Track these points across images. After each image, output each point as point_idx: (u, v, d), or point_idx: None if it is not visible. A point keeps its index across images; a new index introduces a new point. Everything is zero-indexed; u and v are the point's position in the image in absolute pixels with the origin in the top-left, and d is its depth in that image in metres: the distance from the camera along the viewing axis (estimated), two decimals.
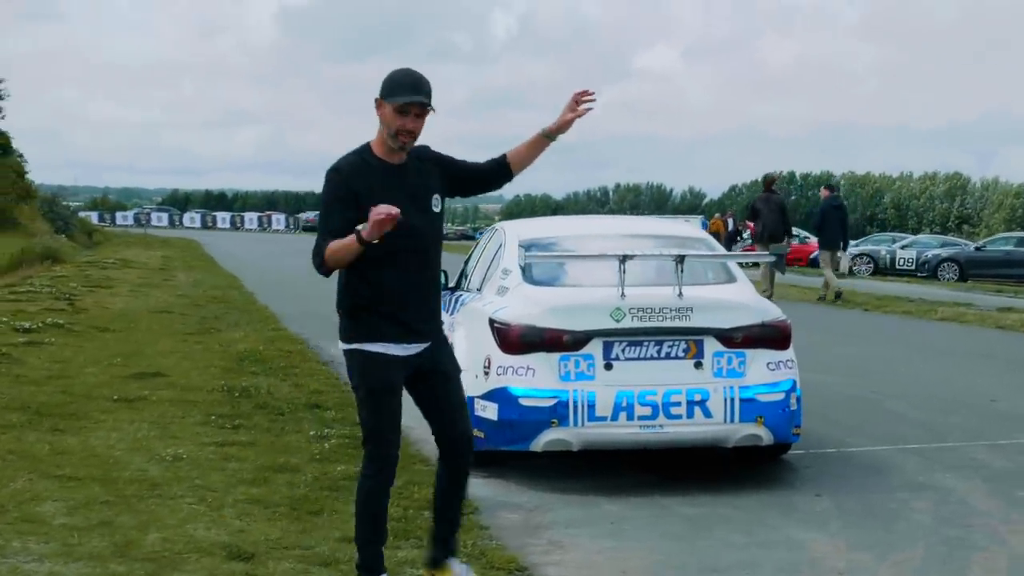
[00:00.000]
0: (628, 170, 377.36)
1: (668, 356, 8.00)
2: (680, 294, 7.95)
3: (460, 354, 8.46)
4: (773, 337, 8.26)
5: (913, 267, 41.62)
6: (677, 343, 8.02)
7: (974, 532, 7.09)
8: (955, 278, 38.63)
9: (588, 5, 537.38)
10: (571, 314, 7.97)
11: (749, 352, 8.11)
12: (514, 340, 7.94)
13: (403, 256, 5.33)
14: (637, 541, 6.85)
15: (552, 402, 7.79)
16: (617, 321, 7.87)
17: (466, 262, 10.38)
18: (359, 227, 5.05)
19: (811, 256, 45.24)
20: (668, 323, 7.92)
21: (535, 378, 7.84)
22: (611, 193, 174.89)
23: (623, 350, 7.94)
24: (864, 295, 26.50)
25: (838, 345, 17.00)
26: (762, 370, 8.13)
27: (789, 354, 8.37)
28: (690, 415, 7.91)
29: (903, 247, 44.28)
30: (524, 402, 7.83)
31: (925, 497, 7.89)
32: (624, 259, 7.94)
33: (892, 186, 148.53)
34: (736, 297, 8.41)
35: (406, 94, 5.23)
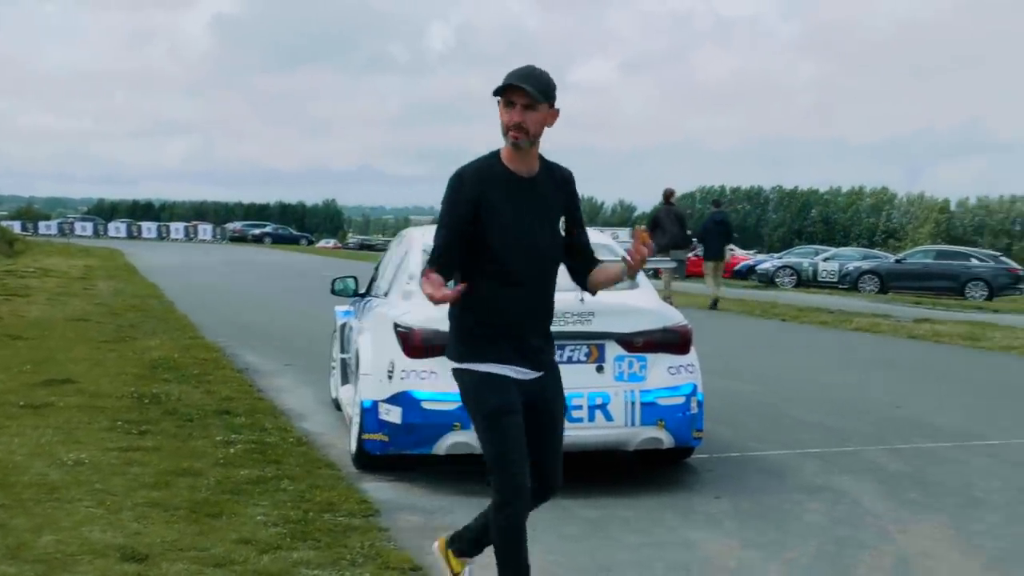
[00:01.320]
0: None
1: (570, 360, 8.07)
2: (582, 299, 8.01)
3: (366, 358, 8.55)
4: (674, 342, 8.38)
5: (835, 279, 42.07)
6: (579, 347, 8.11)
7: (864, 531, 7.25)
8: (876, 290, 39.12)
9: (526, 18, 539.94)
10: None
11: (650, 356, 8.22)
12: (417, 344, 8.00)
13: (525, 276, 4.97)
14: (535, 542, 6.77)
15: (455, 405, 7.80)
16: None
17: (376, 268, 10.45)
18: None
19: (735, 267, 45.84)
20: (570, 327, 8.00)
21: (438, 382, 7.88)
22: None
23: None
24: (784, 306, 26.84)
25: (751, 353, 17.24)
26: (663, 374, 8.24)
27: (690, 358, 8.49)
28: (591, 419, 8.00)
29: (825, 259, 44.77)
30: (427, 406, 7.89)
31: (820, 499, 8.04)
32: None
33: (820, 200, 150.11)
34: (638, 302, 8.50)
35: (508, 80, 4.82)
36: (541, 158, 5.04)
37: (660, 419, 8.14)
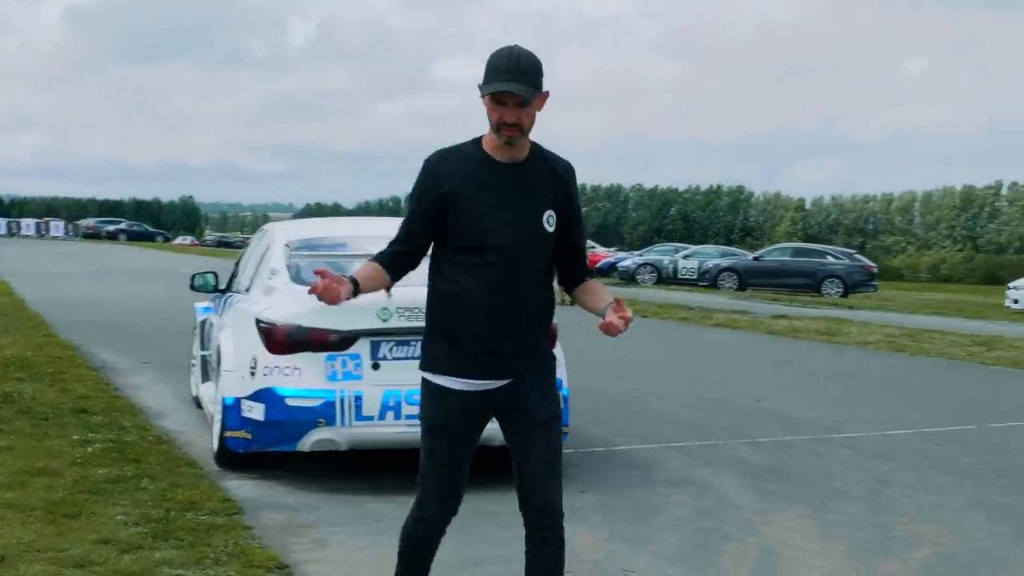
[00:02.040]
0: None
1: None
2: None
3: (227, 355, 8.41)
4: None
5: (695, 277, 42.62)
6: None
7: (728, 523, 7.32)
8: (735, 287, 39.79)
9: (388, 14, 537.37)
10: (338, 314, 7.89)
11: None
12: (280, 340, 7.89)
13: (496, 273, 4.40)
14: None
15: (319, 402, 7.76)
16: (384, 321, 7.88)
17: (237, 263, 10.29)
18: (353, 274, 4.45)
19: (596, 265, 46.25)
20: (421, 323, 7.94)
21: (302, 378, 7.80)
22: (403, 203, 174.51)
23: (391, 350, 7.95)
24: (645, 303, 27.06)
25: (615, 350, 17.29)
26: None
27: (555, 354, 8.46)
28: None
29: (685, 257, 45.29)
30: (291, 402, 7.79)
31: (685, 492, 8.11)
32: None
33: (679, 198, 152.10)
34: None
35: (497, 80, 4.27)
36: (534, 145, 4.54)
37: None
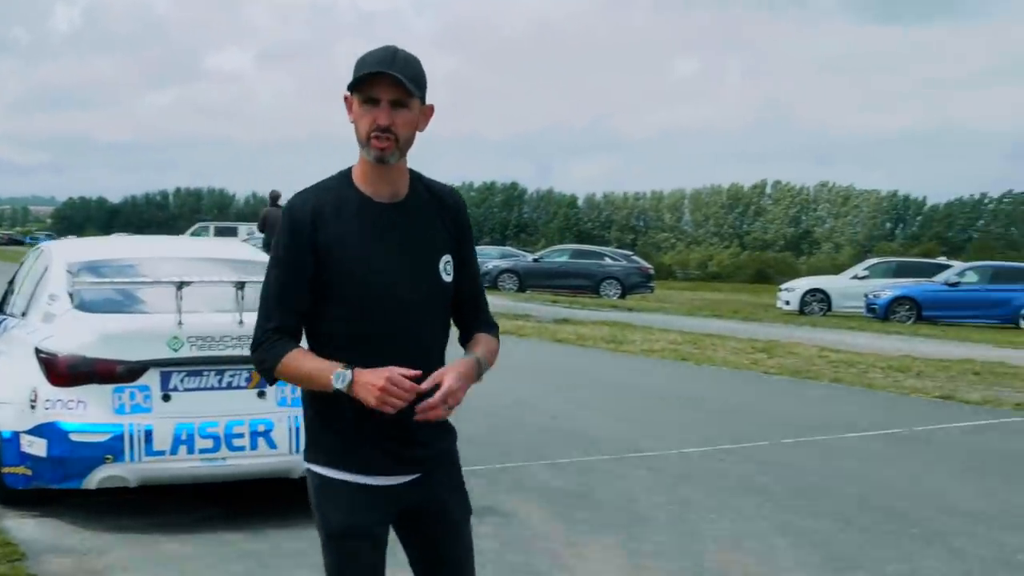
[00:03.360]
0: (192, 174, 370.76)
1: (230, 386, 7.70)
2: (241, 321, 7.65)
3: (3, 385, 7.87)
4: None
5: None
6: (239, 372, 7.73)
7: (537, 557, 7.15)
8: (515, 288, 39.97)
9: (158, 2, 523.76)
10: (125, 343, 7.52)
11: None
12: (63, 371, 7.41)
13: (386, 340, 3.54)
14: None
15: (106, 437, 7.31)
16: (175, 350, 7.49)
17: (10, 282, 9.66)
18: (345, 372, 3.42)
19: None
20: (229, 351, 7.63)
21: (87, 411, 7.34)
22: (171, 197, 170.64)
23: (182, 380, 7.57)
24: None
25: None
26: None
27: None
28: (254, 446, 7.63)
29: None
30: (75, 437, 7.32)
31: (488, 521, 7.87)
32: (181, 285, 7.56)
33: None
34: None
35: (368, 67, 3.48)
36: (415, 177, 3.72)
37: None
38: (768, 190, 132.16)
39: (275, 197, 26.28)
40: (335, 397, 3.49)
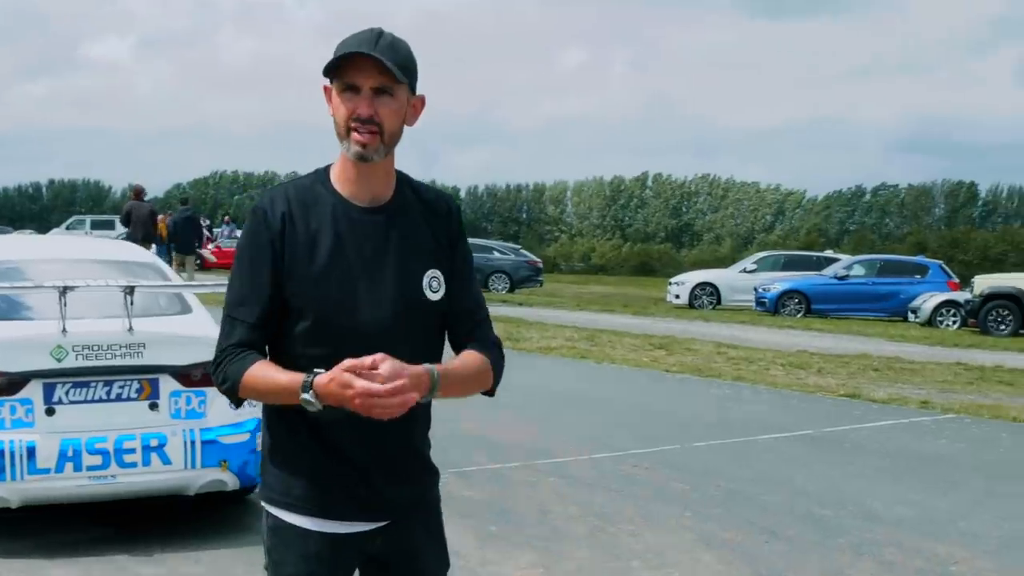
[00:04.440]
0: (66, 165, 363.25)
1: (119, 398, 7.16)
2: (131, 328, 7.11)
3: None
4: None
5: None
6: (129, 383, 7.18)
7: (452, 572, 6.69)
8: None
9: None
10: (4, 353, 6.94)
11: (210, 390, 7.36)
12: None
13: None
14: None
15: None
16: (59, 360, 6.93)
17: None
18: (313, 376, 2.87)
19: None
20: (118, 361, 7.08)
21: None
22: (44, 190, 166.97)
23: (67, 393, 7.01)
24: None
25: None
26: (224, 410, 7.41)
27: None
28: (146, 462, 7.10)
29: None
30: None
31: None
32: (65, 290, 6.98)
33: None
34: (193, 330, 7.64)
35: (348, 48, 2.98)
36: (401, 179, 3.22)
37: (224, 459, 7.34)
38: (649, 183, 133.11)
39: (139, 192, 26.05)
40: (296, 425, 3.07)
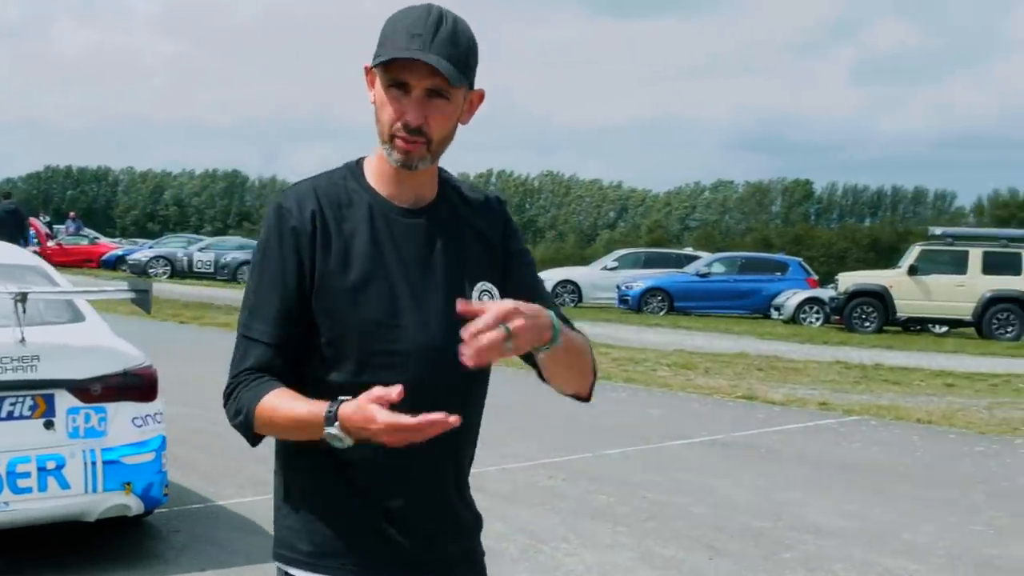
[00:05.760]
0: None
1: (11, 416, 6.42)
2: (23, 339, 6.37)
3: None
4: (138, 387, 6.89)
5: (212, 270, 40.97)
6: (21, 400, 6.45)
7: None
8: None
9: None
10: None
11: (111, 407, 6.69)
12: None
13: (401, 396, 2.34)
14: None
15: None
16: None
17: None
18: (338, 405, 2.31)
19: (102, 257, 44.05)
20: (9, 376, 6.35)
21: None
22: None
23: None
24: (171, 302, 25.32)
25: (177, 366, 15.68)
26: (127, 427, 6.75)
27: (157, 405, 7.04)
28: (42, 487, 6.38)
29: (201, 250, 43.39)
30: None
31: None
32: None
33: (173, 183, 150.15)
34: (90, 340, 6.94)
35: (399, 45, 2.41)
36: (444, 178, 2.67)
37: (127, 482, 6.67)
38: (493, 179, 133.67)
39: (6, 195, 25.25)
40: (320, 464, 2.50)
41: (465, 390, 2.54)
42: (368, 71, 2.53)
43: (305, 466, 2.56)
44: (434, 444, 2.31)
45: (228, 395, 2.52)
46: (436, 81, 2.41)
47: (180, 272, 41.46)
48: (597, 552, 7.33)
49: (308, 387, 2.48)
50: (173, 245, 45.95)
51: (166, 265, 41.98)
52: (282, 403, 2.42)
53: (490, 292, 2.58)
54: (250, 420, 2.47)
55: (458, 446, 2.56)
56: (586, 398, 2.67)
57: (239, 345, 2.55)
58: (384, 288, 2.50)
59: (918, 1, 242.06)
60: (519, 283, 2.63)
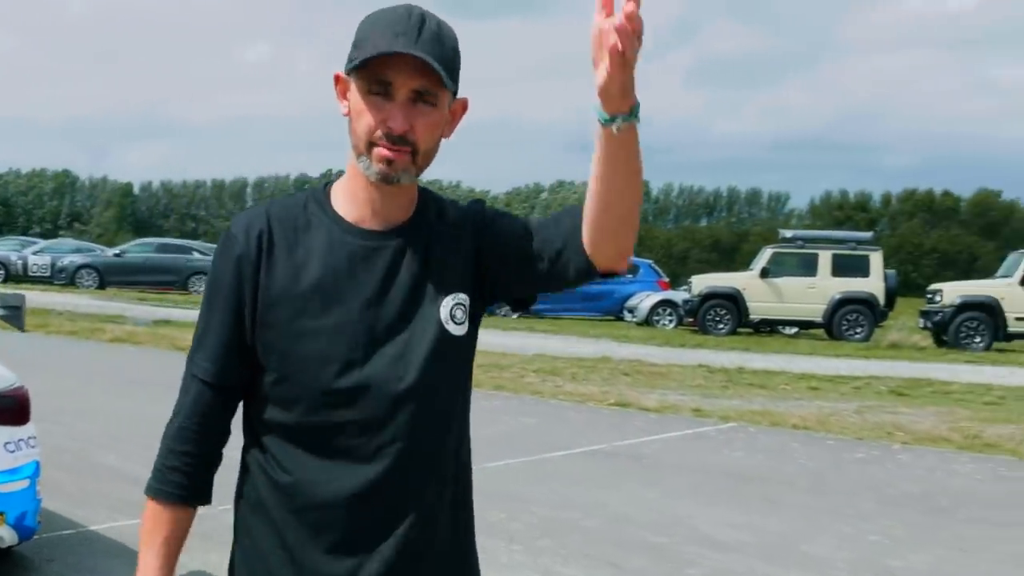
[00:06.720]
0: None
1: None
2: None
3: None
4: (9, 409, 6.45)
5: (48, 274, 39.63)
6: None
7: None
8: (95, 285, 37.55)
9: None
10: None
11: None
12: None
13: (357, 447, 2.21)
14: None
15: None
16: None
17: None
18: None
19: None
20: None
21: None
22: None
23: None
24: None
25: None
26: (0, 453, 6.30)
27: (30, 429, 6.59)
28: None
29: (36, 253, 41.99)
30: None
31: None
32: None
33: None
34: None
35: (381, 43, 2.14)
36: (426, 198, 2.38)
37: (1, 512, 6.20)
38: (332, 178, 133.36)
39: None
40: (276, 535, 2.27)
41: (443, 419, 2.29)
42: (339, 80, 2.27)
43: (259, 525, 2.31)
44: (420, 492, 2.25)
45: (166, 435, 2.34)
46: (424, 82, 2.16)
47: (15, 276, 40.04)
48: (496, 572, 7.06)
49: (271, 433, 2.27)
50: (6, 248, 44.31)
51: (0, 270, 40.55)
52: (149, 531, 2.32)
53: (463, 306, 2.30)
54: (151, 488, 2.34)
55: (446, 488, 2.37)
56: (627, 253, 2.25)
57: (184, 377, 2.34)
58: (336, 320, 2.23)
59: (752, 4, 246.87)
60: (508, 237, 2.32)
